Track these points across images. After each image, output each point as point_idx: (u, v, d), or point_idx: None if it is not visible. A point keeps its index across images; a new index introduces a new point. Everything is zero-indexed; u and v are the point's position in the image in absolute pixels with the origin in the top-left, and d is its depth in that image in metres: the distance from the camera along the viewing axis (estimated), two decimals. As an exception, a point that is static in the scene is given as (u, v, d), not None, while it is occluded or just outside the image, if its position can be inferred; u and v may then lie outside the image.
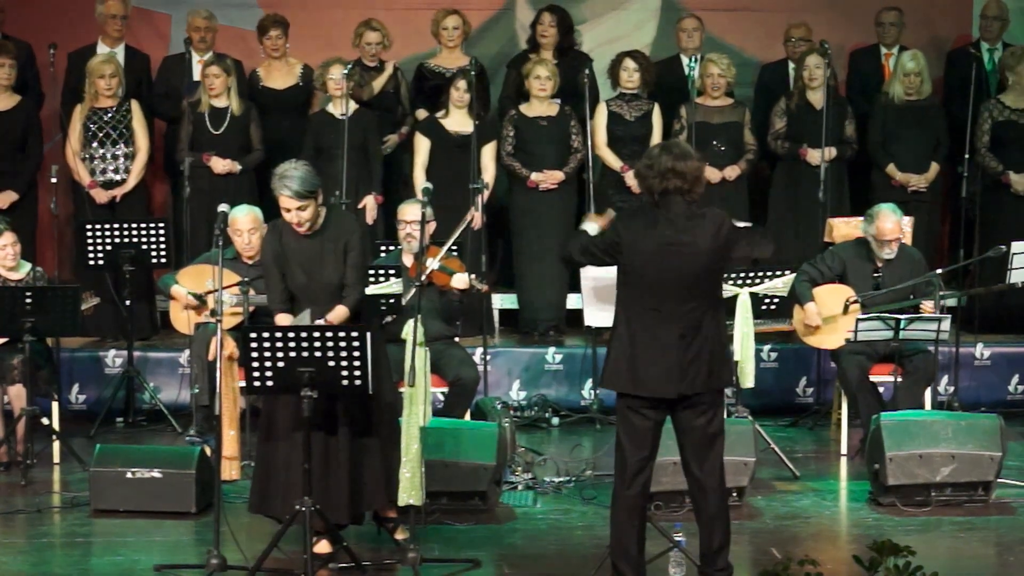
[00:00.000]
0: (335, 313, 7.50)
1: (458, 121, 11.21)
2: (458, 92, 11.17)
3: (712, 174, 11.23)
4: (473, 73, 11.17)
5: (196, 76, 11.51)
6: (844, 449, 9.90)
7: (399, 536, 7.68)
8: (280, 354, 7.14)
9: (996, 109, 11.59)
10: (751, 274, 9.32)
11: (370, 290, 8.21)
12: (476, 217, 10.81)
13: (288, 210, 7.47)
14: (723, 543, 6.86)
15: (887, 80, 11.91)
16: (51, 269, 10.43)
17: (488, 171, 11.21)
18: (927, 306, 9.66)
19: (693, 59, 11.86)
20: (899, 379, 9.57)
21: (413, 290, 7.52)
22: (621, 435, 6.82)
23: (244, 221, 9.73)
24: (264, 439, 7.59)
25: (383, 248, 10.08)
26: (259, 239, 9.75)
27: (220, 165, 11.16)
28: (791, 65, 12.04)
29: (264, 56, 11.80)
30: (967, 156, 11.24)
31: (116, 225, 10.49)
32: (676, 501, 8.14)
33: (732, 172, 11.35)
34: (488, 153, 11.24)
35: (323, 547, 7.51)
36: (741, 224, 7.08)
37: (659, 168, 6.73)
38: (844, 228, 10.62)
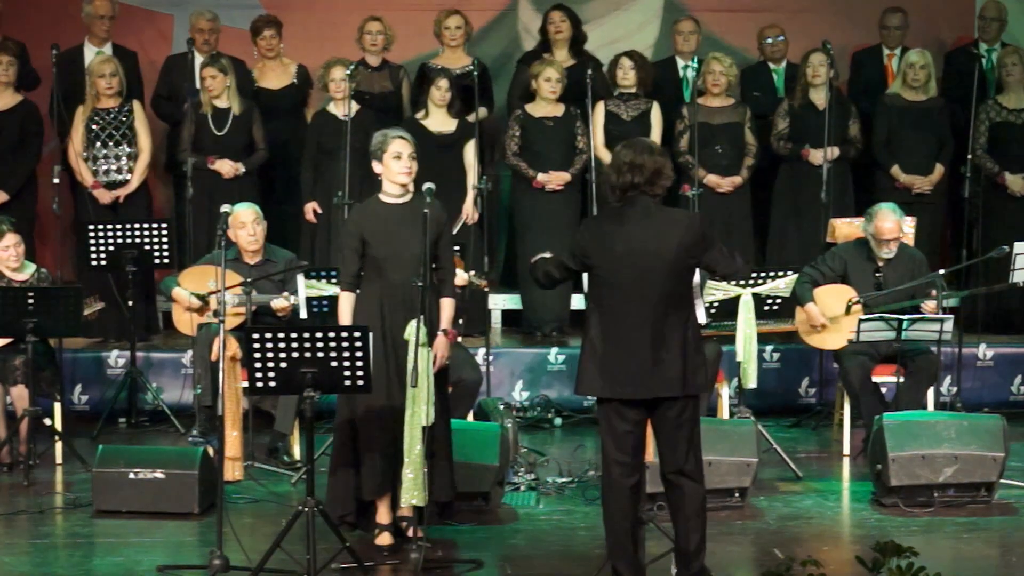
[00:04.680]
0: (446, 310, 7.63)
1: (439, 121, 11.21)
2: (439, 91, 11.16)
3: (714, 182, 11.25)
4: (476, 73, 11.17)
5: (198, 77, 11.51)
6: (847, 450, 9.90)
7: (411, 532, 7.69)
8: (283, 355, 7.14)
9: (994, 110, 11.61)
10: (753, 274, 9.32)
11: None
12: (471, 215, 10.87)
13: (400, 156, 7.57)
14: (700, 544, 6.82)
15: (891, 82, 11.93)
16: (52, 270, 10.43)
17: (472, 170, 11.19)
18: (928, 306, 9.66)
19: (694, 60, 11.85)
20: (901, 380, 9.57)
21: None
22: (603, 437, 6.81)
23: (247, 214, 9.74)
24: (342, 441, 7.68)
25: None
26: (263, 231, 9.77)
27: (227, 168, 11.15)
28: (771, 66, 12.06)
29: (258, 56, 11.80)
30: (969, 156, 11.27)
31: (119, 225, 10.50)
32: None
33: (732, 185, 11.33)
34: (470, 152, 11.23)
35: (385, 539, 7.66)
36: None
37: (617, 163, 6.73)
38: (846, 228, 10.63)
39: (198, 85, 11.44)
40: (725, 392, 9.80)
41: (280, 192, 11.62)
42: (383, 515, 7.71)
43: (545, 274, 7.02)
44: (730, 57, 11.53)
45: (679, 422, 6.75)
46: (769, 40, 12.06)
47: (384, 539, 7.69)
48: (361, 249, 7.62)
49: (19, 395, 9.44)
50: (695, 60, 11.86)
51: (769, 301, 9.41)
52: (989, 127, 11.60)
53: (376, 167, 7.68)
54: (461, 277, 9.02)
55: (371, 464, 7.62)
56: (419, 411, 7.34)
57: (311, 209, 11.27)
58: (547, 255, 7.10)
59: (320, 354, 7.15)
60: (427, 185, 7.58)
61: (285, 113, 11.71)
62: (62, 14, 12.14)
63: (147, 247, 10.44)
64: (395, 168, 7.60)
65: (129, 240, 10.43)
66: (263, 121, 11.41)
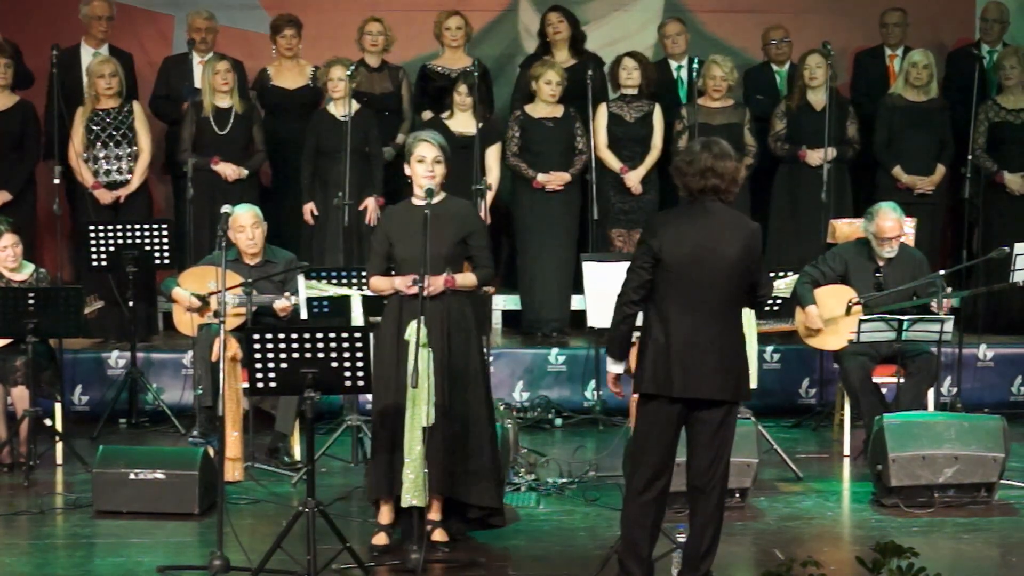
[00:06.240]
0: (464, 276, 7.66)
1: (462, 122, 11.22)
2: (460, 96, 11.19)
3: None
4: (476, 74, 11.16)
5: (197, 77, 11.51)
6: (847, 450, 9.91)
7: (438, 538, 7.71)
8: (283, 355, 7.14)
9: (992, 111, 11.62)
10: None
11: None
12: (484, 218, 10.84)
13: (423, 160, 7.63)
14: (710, 548, 6.80)
15: (893, 82, 11.93)
16: (52, 270, 10.43)
17: (492, 172, 11.23)
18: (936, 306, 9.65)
19: (695, 61, 11.84)
20: (902, 380, 9.57)
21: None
22: (645, 438, 6.76)
23: (246, 217, 9.73)
24: (376, 434, 7.74)
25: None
26: (262, 234, 9.77)
27: (230, 171, 11.14)
28: (775, 68, 12.06)
29: (276, 56, 11.79)
30: (969, 157, 11.28)
31: (119, 226, 10.50)
32: (679, 502, 8.13)
33: None
34: (492, 154, 11.26)
35: (381, 539, 7.69)
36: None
37: (699, 166, 6.70)
38: (846, 229, 10.63)
39: (197, 84, 11.44)
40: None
41: (284, 192, 11.61)
42: (384, 515, 7.72)
43: (631, 297, 6.75)
44: (731, 61, 11.51)
45: (719, 426, 6.72)
46: (774, 42, 12.05)
47: (380, 539, 7.70)
48: (389, 251, 7.68)
49: (19, 396, 9.44)
50: (696, 61, 11.84)
51: (769, 301, 9.40)
52: (988, 127, 11.60)
53: (406, 169, 7.75)
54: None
55: (384, 466, 7.62)
56: (419, 412, 7.35)
57: (309, 210, 11.26)
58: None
59: (320, 355, 7.15)
60: (427, 186, 7.59)
61: (298, 113, 11.65)
62: (58, 15, 12.12)
63: (147, 248, 10.45)
64: (419, 171, 7.67)
65: (129, 241, 10.43)
66: (273, 121, 11.43)
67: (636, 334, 6.85)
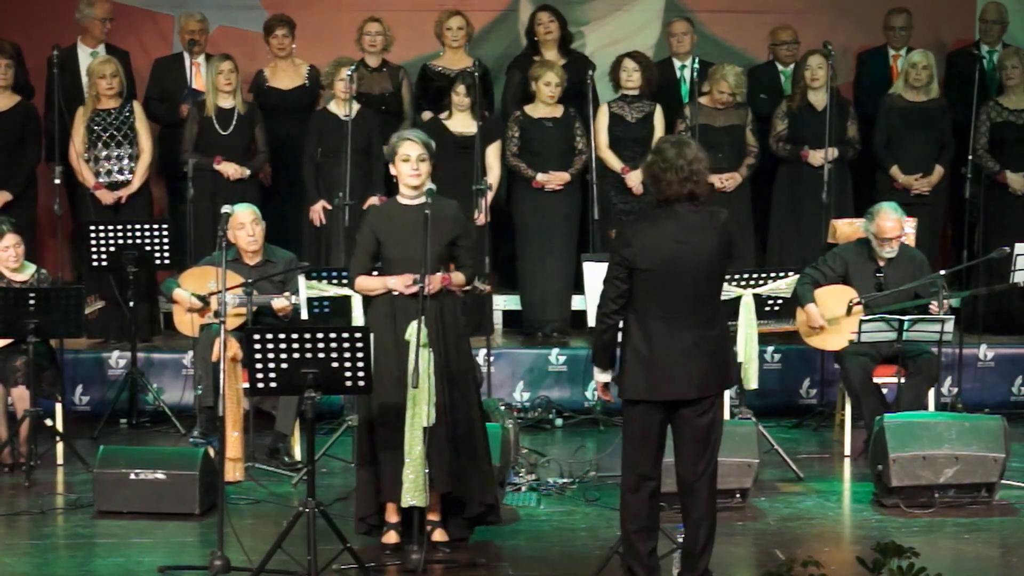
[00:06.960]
0: (455, 275, 7.68)
1: (461, 122, 11.22)
2: (459, 96, 11.18)
3: (713, 180, 11.23)
4: (476, 74, 11.15)
5: (192, 79, 11.49)
6: (848, 450, 9.91)
7: (438, 538, 7.71)
8: (283, 355, 7.15)
9: (994, 111, 11.62)
10: (755, 275, 9.33)
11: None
12: (480, 217, 10.83)
13: (408, 159, 7.63)
14: (706, 545, 6.82)
15: (894, 82, 11.93)
16: (52, 270, 10.43)
17: (492, 172, 11.22)
18: (934, 307, 9.65)
19: (695, 61, 11.82)
20: (902, 380, 9.57)
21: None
22: (632, 441, 6.79)
23: (245, 214, 9.74)
24: (362, 443, 7.74)
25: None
26: (261, 232, 9.77)
27: (232, 171, 11.13)
28: (779, 67, 12.06)
29: (270, 56, 11.78)
30: (970, 157, 11.28)
31: (119, 226, 10.50)
32: (678, 502, 8.12)
33: (731, 182, 11.30)
34: (492, 154, 11.25)
35: (391, 538, 7.69)
36: None
37: (680, 174, 6.68)
38: (847, 229, 10.63)
39: (193, 85, 11.43)
40: (726, 393, 9.77)
41: (284, 193, 11.60)
42: (391, 514, 7.72)
43: (609, 309, 6.80)
44: (743, 75, 11.43)
45: (703, 421, 6.74)
46: (786, 43, 12.01)
47: (390, 537, 7.71)
48: (375, 250, 7.67)
49: (20, 396, 9.45)
50: (696, 61, 11.82)
51: (770, 302, 9.41)
52: (990, 128, 11.60)
53: (392, 169, 7.75)
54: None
55: (388, 467, 7.61)
56: (419, 412, 7.35)
57: (320, 208, 11.21)
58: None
59: (321, 355, 7.15)
60: (428, 186, 7.60)
61: (295, 114, 11.62)
62: (54, 15, 12.10)
63: (148, 248, 10.45)
64: (404, 171, 7.66)
65: (130, 241, 10.43)
66: (270, 121, 11.41)
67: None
